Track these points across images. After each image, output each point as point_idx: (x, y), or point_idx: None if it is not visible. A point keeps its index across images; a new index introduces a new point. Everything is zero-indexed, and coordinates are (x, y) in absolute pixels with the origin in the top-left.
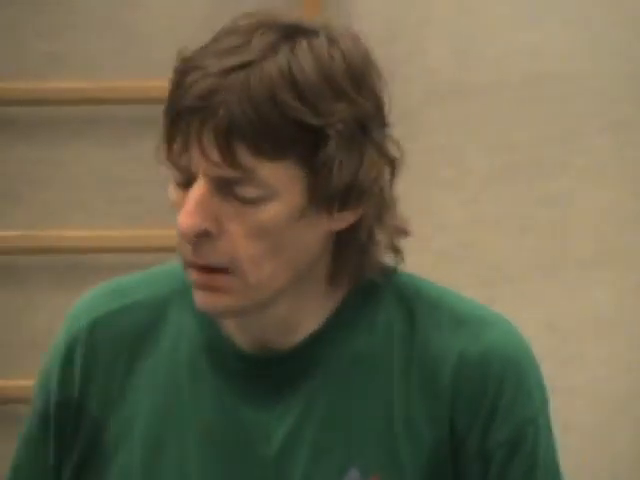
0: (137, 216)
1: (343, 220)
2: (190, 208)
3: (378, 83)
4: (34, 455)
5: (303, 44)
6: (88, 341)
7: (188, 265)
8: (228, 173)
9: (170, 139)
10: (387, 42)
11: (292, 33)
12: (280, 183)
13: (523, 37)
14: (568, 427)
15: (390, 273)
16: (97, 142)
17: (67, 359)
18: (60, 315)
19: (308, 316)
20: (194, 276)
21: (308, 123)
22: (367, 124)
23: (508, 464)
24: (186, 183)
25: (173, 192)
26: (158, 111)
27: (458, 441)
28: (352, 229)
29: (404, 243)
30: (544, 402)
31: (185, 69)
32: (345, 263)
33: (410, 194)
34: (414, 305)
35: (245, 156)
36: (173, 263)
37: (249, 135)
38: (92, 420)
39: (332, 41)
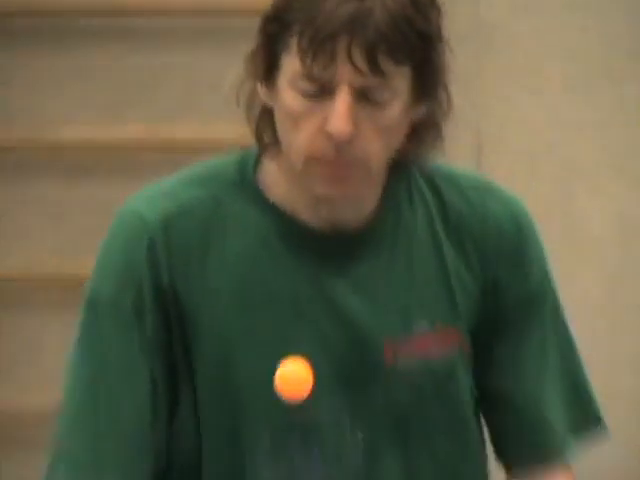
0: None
1: (422, 109)
2: (342, 115)
3: None
4: (135, 358)
5: None
6: (164, 235)
7: (323, 163)
8: (371, 81)
9: (314, 57)
10: None
11: None
12: (401, 84)
13: None
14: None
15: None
16: (212, 50)
17: (150, 251)
18: None
19: (370, 196)
20: (329, 169)
21: (424, 32)
22: (442, 21)
23: (539, 307)
24: (317, 94)
25: (298, 102)
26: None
27: (500, 290)
28: (423, 119)
29: (486, 144)
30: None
31: None
32: (415, 148)
33: (493, 100)
34: (436, 179)
35: (386, 65)
36: (196, 169)
37: (390, 47)
38: (182, 306)
39: None
